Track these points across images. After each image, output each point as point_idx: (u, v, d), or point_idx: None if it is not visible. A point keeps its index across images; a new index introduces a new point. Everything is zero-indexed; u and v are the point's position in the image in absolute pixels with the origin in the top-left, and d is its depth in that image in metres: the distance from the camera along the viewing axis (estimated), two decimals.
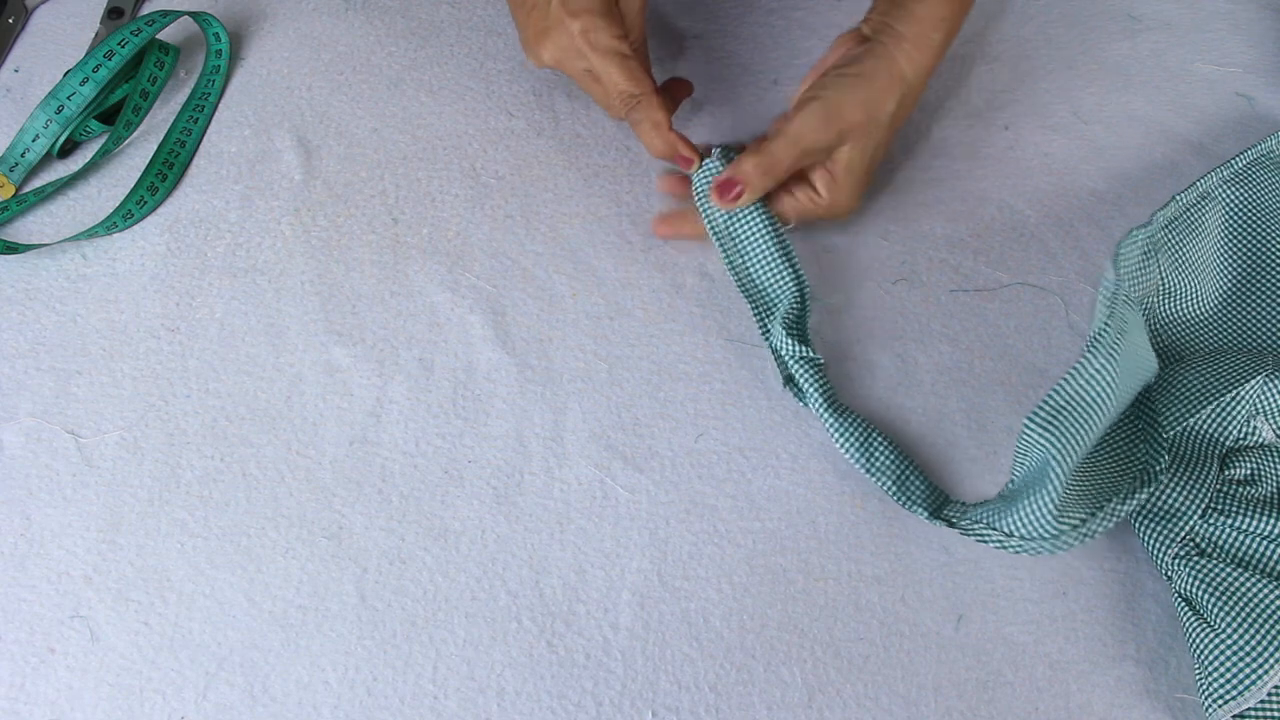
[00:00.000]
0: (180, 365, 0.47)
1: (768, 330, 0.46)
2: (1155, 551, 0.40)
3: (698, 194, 0.47)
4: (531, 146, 0.54)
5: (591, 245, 0.50)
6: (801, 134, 0.43)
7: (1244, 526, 0.39)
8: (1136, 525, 0.41)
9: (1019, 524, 0.38)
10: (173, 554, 0.43)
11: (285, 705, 0.39)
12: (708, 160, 0.46)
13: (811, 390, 0.44)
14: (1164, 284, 0.46)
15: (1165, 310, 0.46)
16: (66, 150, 0.54)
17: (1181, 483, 0.40)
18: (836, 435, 0.43)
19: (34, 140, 0.52)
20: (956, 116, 0.54)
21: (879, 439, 0.43)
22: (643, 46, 0.48)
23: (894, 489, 0.42)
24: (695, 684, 0.40)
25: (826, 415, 0.43)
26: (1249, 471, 0.40)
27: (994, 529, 0.39)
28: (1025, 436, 0.36)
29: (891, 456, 0.43)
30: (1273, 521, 0.38)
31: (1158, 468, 0.39)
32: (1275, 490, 0.40)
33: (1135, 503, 0.38)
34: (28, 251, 0.50)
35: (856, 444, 0.43)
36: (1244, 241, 0.48)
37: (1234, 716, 0.36)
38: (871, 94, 0.43)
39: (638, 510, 0.43)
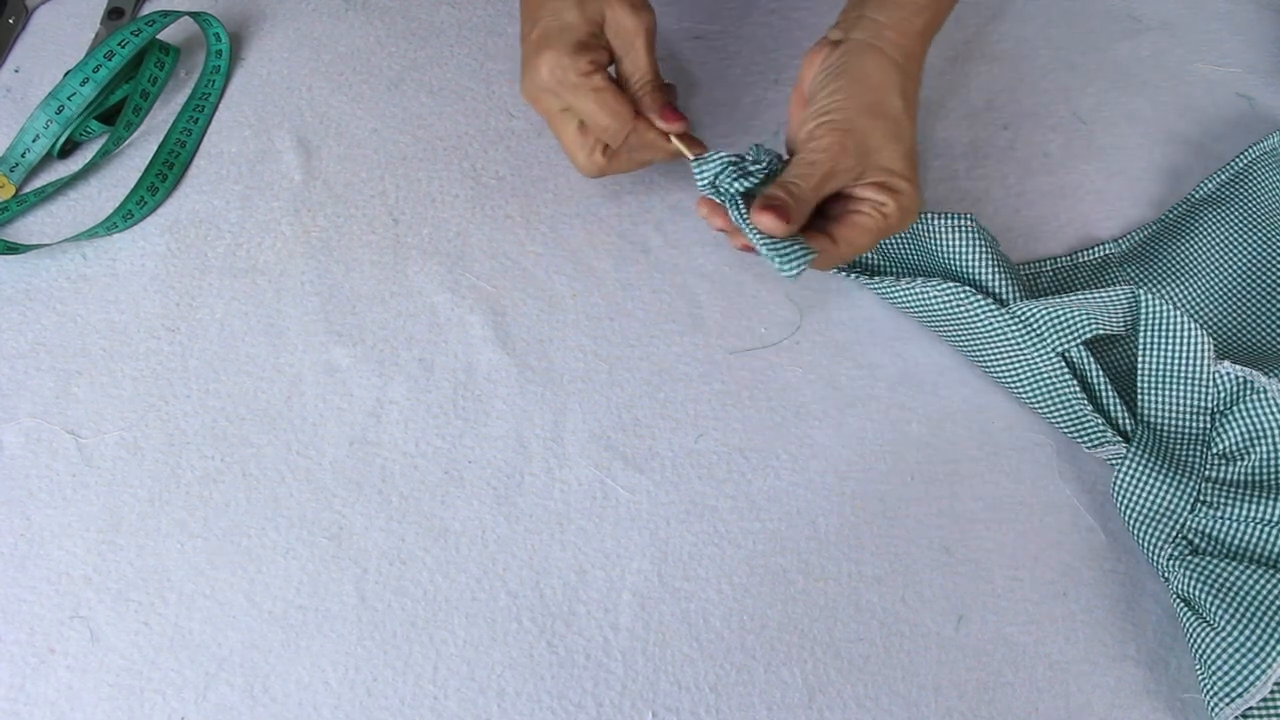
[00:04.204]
0: (180, 365, 0.47)
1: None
2: (1151, 553, 0.40)
3: (701, 184, 0.42)
4: (531, 146, 0.54)
5: (591, 245, 0.50)
6: (819, 161, 0.40)
7: (1234, 515, 0.39)
8: (1133, 527, 0.41)
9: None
10: (173, 554, 0.43)
11: (285, 705, 0.39)
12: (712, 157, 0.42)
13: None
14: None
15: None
16: (67, 150, 0.54)
17: (1170, 479, 0.40)
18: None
19: (34, 140, 0.52)
20: (956, 116, 0.54)
21: None
22: (653, 81, 0.44)
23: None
24: (695, 684, 0.40)
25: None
26: (1237, 438, 0.40)
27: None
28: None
29: None
30: (1261, 506, 0.38)
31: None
32: (1264, 460, 0.40)
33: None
34: (28, 251, 0.50)
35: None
36: (1245, 241, 0.48)
37: (1239, 716, 0.36)
38: (871, 94, 0.40)
39: (638, 511, 0.43)
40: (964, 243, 0.43)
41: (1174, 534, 0.40)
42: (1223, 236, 0.48)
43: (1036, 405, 0.44)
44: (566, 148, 0.45)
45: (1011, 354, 0.43)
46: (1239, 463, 0.40)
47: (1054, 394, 0.43)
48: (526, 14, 0.45)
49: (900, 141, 0.41)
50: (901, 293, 0.45)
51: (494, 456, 0.45)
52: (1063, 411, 0.43)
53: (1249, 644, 0.36)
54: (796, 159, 0.41)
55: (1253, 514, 0.38)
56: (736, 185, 0.40)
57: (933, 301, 0.44)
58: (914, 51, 0.42)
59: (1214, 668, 0.36)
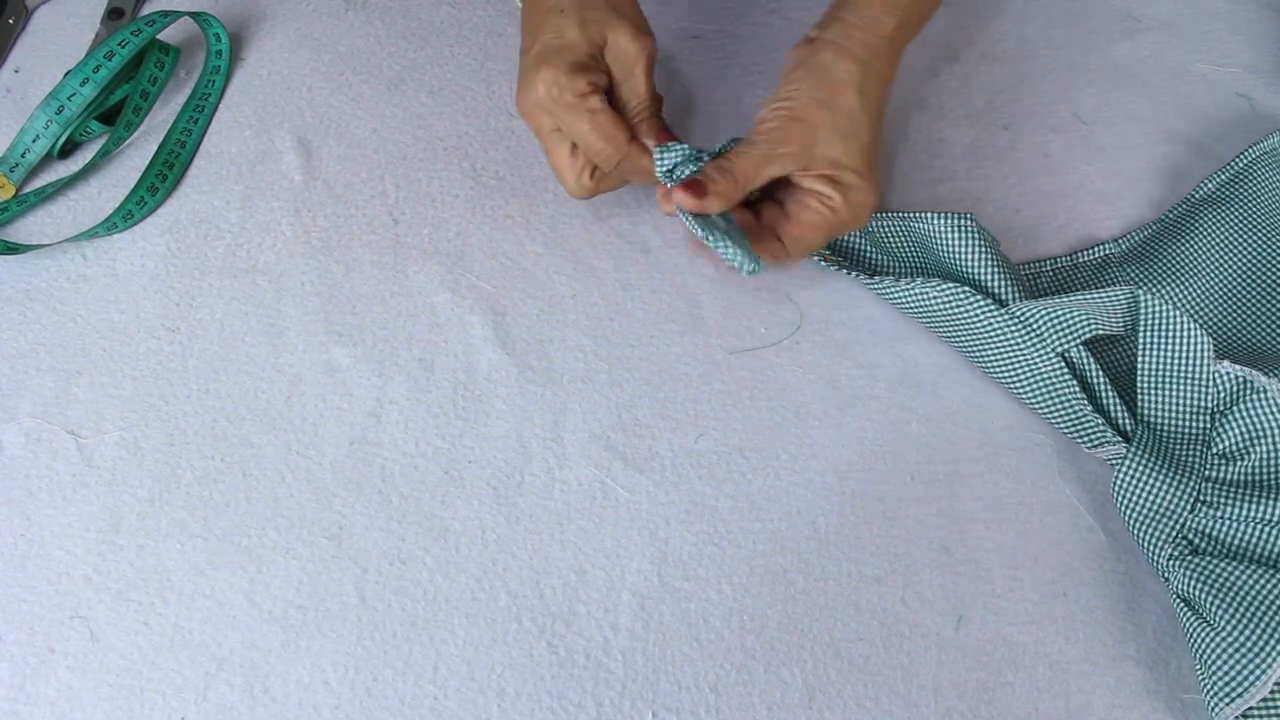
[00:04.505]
0: (180, 365, 0.47)
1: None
2: (1151, 553, 0.40)
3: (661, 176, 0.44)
4: (531, 146, 0.54)
5: (591, 245, 0.50)
6: (759, 143, 0.41)
7: (1234, 515, 0.39)
8: (1133, 527, 0.41)
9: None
10: (173, 554, 0.43)
11: (285, 705, 0.39)
12: (672, 148, 0.44)
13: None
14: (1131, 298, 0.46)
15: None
16: (67, 151, 0.54)
17: (1170, 479, 0.40)
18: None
19: (34, 141, 0.52)
20: (956, 116, 0.54)
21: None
22: (650, 107, 0.45)
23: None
24: (695, 684, 0.40)
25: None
26: (1237, 438, 0.40)
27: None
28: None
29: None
30: (1261, 505, 0.38)
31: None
32: (1264, 460, 0.40)
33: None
34: (28, 251, 0.50)
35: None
36: (1245, 241, 0.48)
37: (1239, 716, 0.36)
38: (826, 88, 0.42)
39: (638, 511, 0.43)
40: (964, 243, 0.43)
41: (1174, 534, 0.40)
42: (1223, 236, 0.48)
43: (1036, 405, 0.44)
44: (556, 168, 0.45)
45: (1011, 354, 0.43)
46: (1239, 463, 0.40)
47: (1054, 394, 0.43)
48: (528, 28, 0.44)
49: (854, 138, 0.42)
50: (901, 293, 0.45)
51: (494, 456, 0.45)
52: (1063, 411, 0.43)
53: (1249, 644, 0.36)
54: (741, 141, 0.42)
55: (1253, 514, 0.38)
56: (689, 170, 0.42)
57: (933, 302, 0.44)
58: (882, 53, 0.43)
59: (1214, 668, 0.36)
